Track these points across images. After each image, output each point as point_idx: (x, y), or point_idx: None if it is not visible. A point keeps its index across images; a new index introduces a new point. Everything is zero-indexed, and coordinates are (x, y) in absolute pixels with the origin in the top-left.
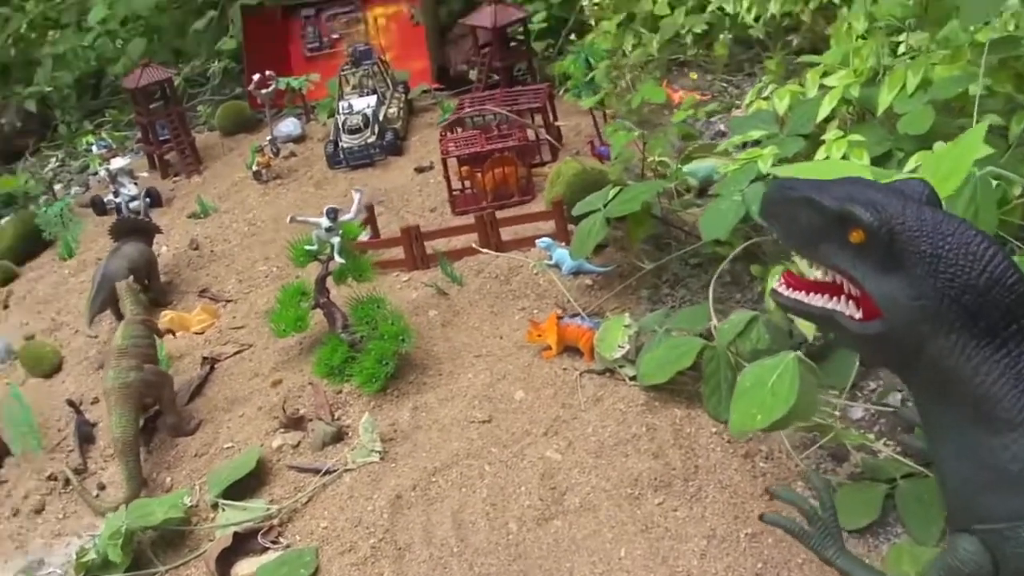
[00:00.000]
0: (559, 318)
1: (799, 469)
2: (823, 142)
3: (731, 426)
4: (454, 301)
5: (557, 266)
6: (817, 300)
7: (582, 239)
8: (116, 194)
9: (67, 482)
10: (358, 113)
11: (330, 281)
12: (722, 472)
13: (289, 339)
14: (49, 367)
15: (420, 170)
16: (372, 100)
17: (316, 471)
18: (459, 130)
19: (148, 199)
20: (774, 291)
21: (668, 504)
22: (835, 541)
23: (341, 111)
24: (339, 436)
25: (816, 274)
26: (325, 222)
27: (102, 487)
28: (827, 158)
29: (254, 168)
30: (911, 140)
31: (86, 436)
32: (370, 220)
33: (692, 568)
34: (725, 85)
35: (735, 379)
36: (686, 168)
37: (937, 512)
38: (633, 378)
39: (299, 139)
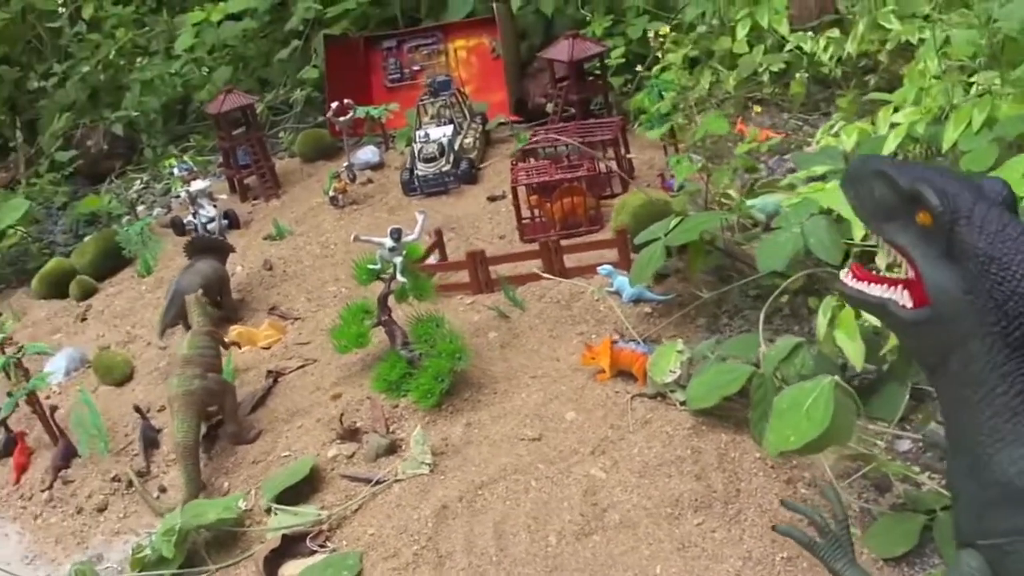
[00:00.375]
0: (613, 342)
1: (846, 499)
2: None
3: (767, 446)
4: (514, 324)
5: (618, 293)
6: (875, 289)
7: (641, 266)
8: (195, 215)
9: (130, 483)
10: (434, 142)
11: (392, 300)
12: (763, 496)
13: (351, 356)
14: (120, 376)
15: (492, 199)
16: (448, 130)
17: (367, 480)
18: (531, 160)
19: (226, 220)
20: (840, 281)
21: (707, 525)
22: (845, 554)
23: (418, 139)
24: (392, 448)
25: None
26: (389, 242)
27: (163, 489)
28: None
29: (331, 193)
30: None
31: (151, 441)
32: (438, 244)
33: None
34: (800, 124)
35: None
36: (751, 202)
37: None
38: (683, 403)
39: (377, 167)
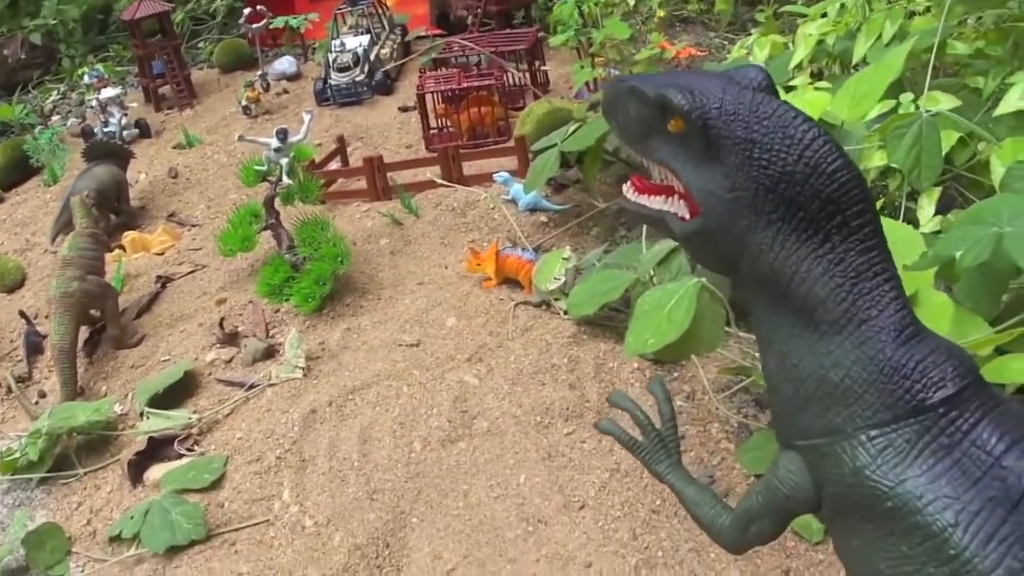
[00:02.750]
0: (500, 249)
1: (718, 411)
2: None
3: (626, 348)
4: (407, 231)
5: (514, 201)
6: (655, 202)
7: (536, 173)
8: (106, 124)
9: (9, 389)
10: (349, 51)
11: (279, 203)
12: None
13: (241, 261)
14: (11, 282)
15: (404, 109)
16: (365, 40)
17: (241, 384)
18: (442, 69)
19: (137, 129)
20: (623, 197)
21: (577, 435)
22: (668, 456)
23: (333, 49)
24: (270, 353)
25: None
26: (274, 143)
27: (43, 395)
28: None
29: (243, 103)
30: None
31: (35, 346)
32: (340, 151)
33: (588, 499)
34: (724, 43)
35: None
36: None
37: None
38: (567, 311)
39: (294, 77)
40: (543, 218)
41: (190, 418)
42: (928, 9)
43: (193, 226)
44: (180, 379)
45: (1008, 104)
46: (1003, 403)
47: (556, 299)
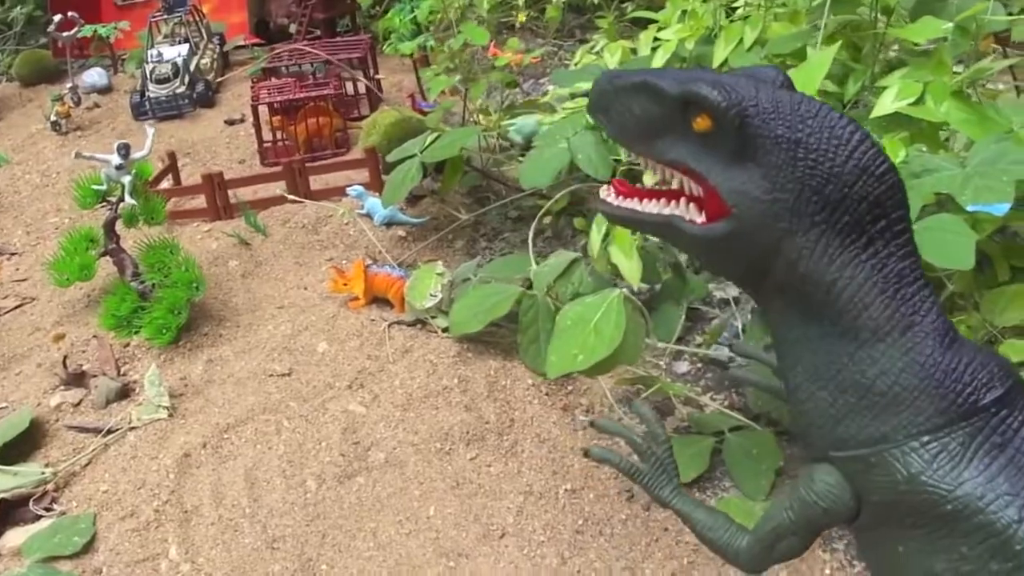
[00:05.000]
0: (366, 267)
1: (623, 422)
2: None
3: (548, 368)
4: (257, 252)
5: (369, 216)
6: (652, 206)
7: (395, 186)
8: None
9: None
10: (168, 62)
11: (120, 226)
12: (539, 426)
13: (76, 291)
14: None
15: (231, 123)
16: (184, 49)
17: (97, 431)
18: (273, 79)
19: None
20: (603, 201)
21: (482, 459)
22: (670, 480)
23: (150, 59)
24: (125, 393)
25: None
26: (116, 159)
27: None
28: None
29: (52, 118)
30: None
31: None
32: (171, 168)
33: (507, 526)
34: (555, 49)
35: (554, 327)
36: (509, 122)
37: (767, 465)
38: (446, 329)
39: (105, 90)
40: (401, 232)
41: (43, 473)
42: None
43: (12, 254)
44: (25, 429)
45: (883, 107)
46: None
47: (433, 317)
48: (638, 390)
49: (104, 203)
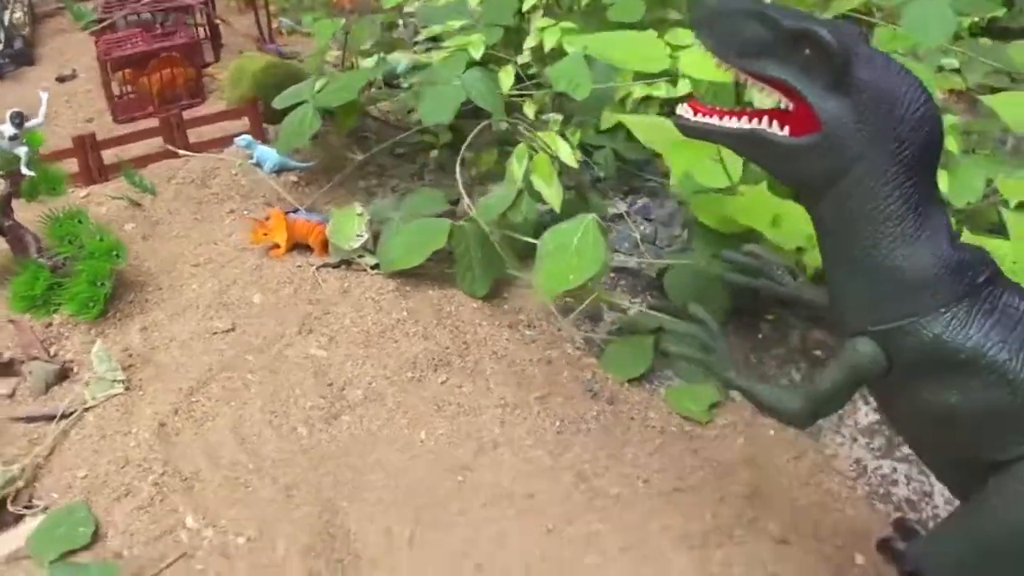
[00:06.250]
0: (285, 214)
1: (561, 333)
2: (526, 32)
3: (540, 289)
4: (150, 212)
5: (259, 165)
6: (732, 122)
7: (292, 132)
8: None
9: None
10: None
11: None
12: (494, 344)
13: None
14: None
15: (62, 79)
16: None
17: (50, 417)
18: (109, 32)
19: None
20: (680, 117)
21: (452, 381)
22: (732, 364)
23: None
24: (63, 374)
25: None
26: (9, 130)
27: None
28: (541, 44)
29: None
30: (623, 28)
31: None
32: None
33: (497, 437)
34: None
35: (486, 255)
36: (390, 58)
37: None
38: (375, 266)
39: None
40: (293, 178)
41: (7, 472)
42: None
43: None
44: None
45: None
46: (1011, 281)
47: (360, 256)
48: (567, 302)
49: None
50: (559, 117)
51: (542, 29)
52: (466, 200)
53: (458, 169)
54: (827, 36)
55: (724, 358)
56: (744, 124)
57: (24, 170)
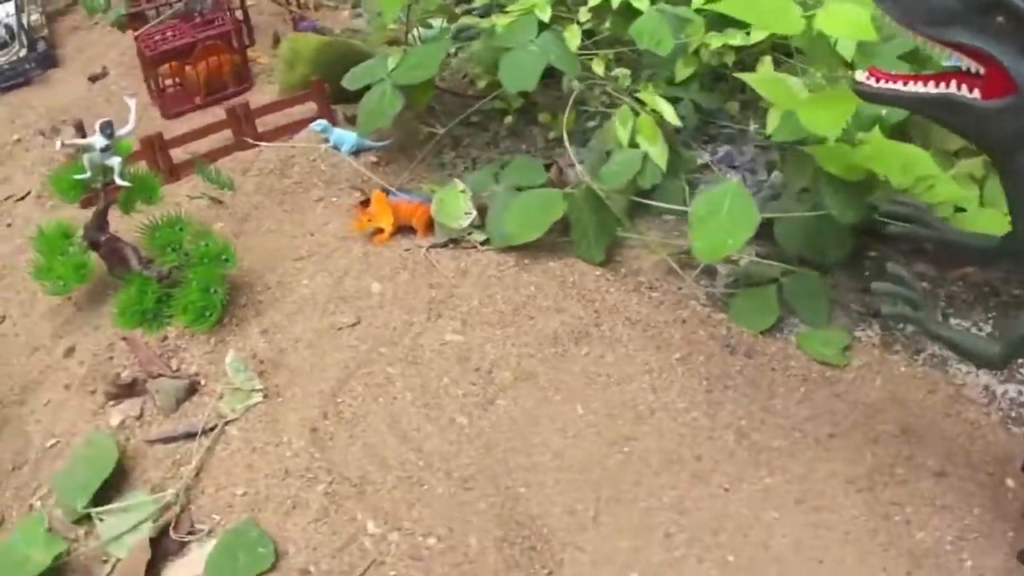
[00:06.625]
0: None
1: (683, 291)
2: None
3: (700, 253)
4: (234, 208)
5: (336, 148)
6: (919, 87)
7: (373, 113)
8: None
9: None
10: None
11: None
12: (626, 310)
13: (53, 299)
14: None
15: (94, 79)
16: (10, 8)
17: (189, 435)
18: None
19: None
20: (861, 83)
21: (595, 352)
22: (936, 317)
23: None
24: (192, 389)
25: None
26: (100, 140)
27: None
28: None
29: None
30: None
31: None
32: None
33: (652, 402)
34: None
35: (601, 223)
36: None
37: (824, 300)
38: (484, 242)
39: None
40: (372, 158)
41: (162, 497)
42: None
43: None
44: (117, 461)
45: None
46: None
47: (469, 234)
48: (680, 258)
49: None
50: (627, 72)
51: None
52: (578, 167)
53: (566, 138)
54: (1020, 4)
55: (930, 311)
56: (932, 89)
57: (119, 181)
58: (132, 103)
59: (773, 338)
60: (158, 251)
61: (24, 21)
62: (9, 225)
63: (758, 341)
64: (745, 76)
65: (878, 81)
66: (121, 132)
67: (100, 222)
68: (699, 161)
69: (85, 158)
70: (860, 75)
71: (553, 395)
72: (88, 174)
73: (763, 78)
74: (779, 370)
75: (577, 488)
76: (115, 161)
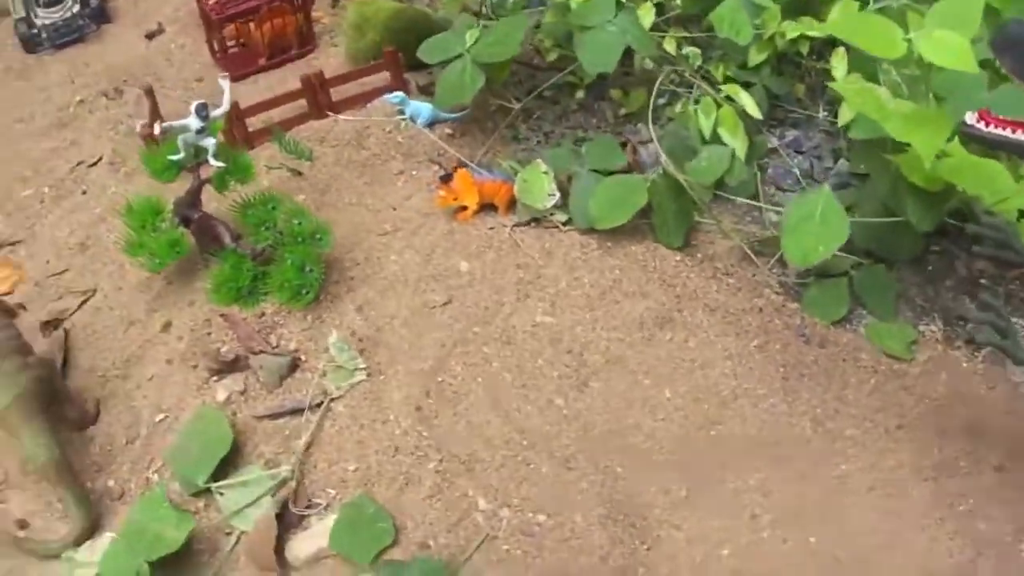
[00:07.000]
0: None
1: (757, 278)
2: None
3: (791, 258)
4: (314, 179)
5: (412, 120)
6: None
7: (452, 88)
8: None
9: None
10: None
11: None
12: (705, 296)
13: (142, 274)
14: None
15: (151, 36)
16: None
17: (295, 411)
18: None
19: None
20: (969, 127)
21: (678, 338)
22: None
23: None
24: (294, 365)
25: None
26: (196, 122)
27: (23, 524)
28: None
29: None
30: None
31: None
32: (153, 107)
33: (735, 388)
34: None
35: (680, 209)
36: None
37: (891, 294)
38: (566, 223)
39: None
40: (447, 130)
41: (279, 473)
42: None
43: (9, 245)
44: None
45: None
46: None
47: (551, 214)
48: (754, 244)
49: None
50: (697, 52)
51: None
52: (663, 157)
53: (650, 124)
54: None
55: (1016, 340)
56: None
57: (213, 162)
58: (226, 84)
59: (844, 329)
60: (251, 229)
61: None
62: (84, 192)
63: (830, 332)
64: (836, 86)
65: (987, 125)
66: (215, 113)
67: (193, 199)
68: (767, 145)
69: (180, 139)
70: (970, 117)
71: (642, 379)
72: (182, 155)
73: (852, 87)
74: (850, 361)
75: (670, 469)
76: (209, 142)
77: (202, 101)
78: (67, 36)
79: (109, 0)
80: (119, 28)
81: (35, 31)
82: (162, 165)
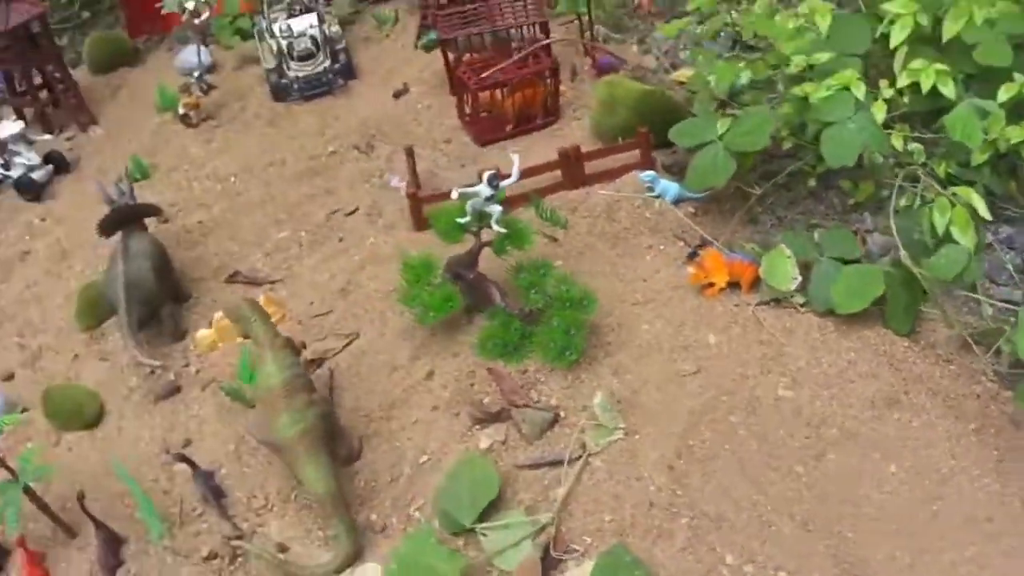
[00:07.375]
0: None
1: (973, 365)
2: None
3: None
4: (568, 247)
5: (660, 197)
6: None
7: (705, 171)
8: (7, 166)
9: (234, 557)
10: (302, 35)
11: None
12: (928, 381)
13: (400, 321)
14: (91, 415)
15: (398, 95)
16: (313, 19)
17: (554, 463)
18: (471, 55)
19: (51, 164)
20: None
21: (904, 418)
22: None
23: (278, 34)
24: (554, 420)
25: None
26: (486, 190)
27: (283, 548)
28: (914, 84)
29: (181, 111)
30: (987, 70)
31: (217, 492)
32: (411, 167)
33: (953, 467)
34: None
35: (912, 298)
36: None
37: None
38: (803, 305)
39: (209, 69)
40: (690, 208)
41: (540, 519)
42: None
43: (270, 283)
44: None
45: None
46: None
47: (791, 296)
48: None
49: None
50: (921, 148)
51: (919, 70)
52: (902, 252)
53: (892, 219)
54: None
55: None
56: None
57: (496, 227)
58: (516, 159)
59: None
60: (521, 291)
61: (326, 32)
62: (341, 239)
63: None
64: None
65: None
66: (505, 183)
67: (472, 260)
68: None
69: (469, 204)
70: None
71: (872, 453)
72: (469, 218)
73: None
74: None
75: (894, 537)
76: (495, 209)
77: (494, 171)
78: (317, 88)
79: (352, 59)
80: (364, 85)
81: (285, 81)
82: (449, 226)
